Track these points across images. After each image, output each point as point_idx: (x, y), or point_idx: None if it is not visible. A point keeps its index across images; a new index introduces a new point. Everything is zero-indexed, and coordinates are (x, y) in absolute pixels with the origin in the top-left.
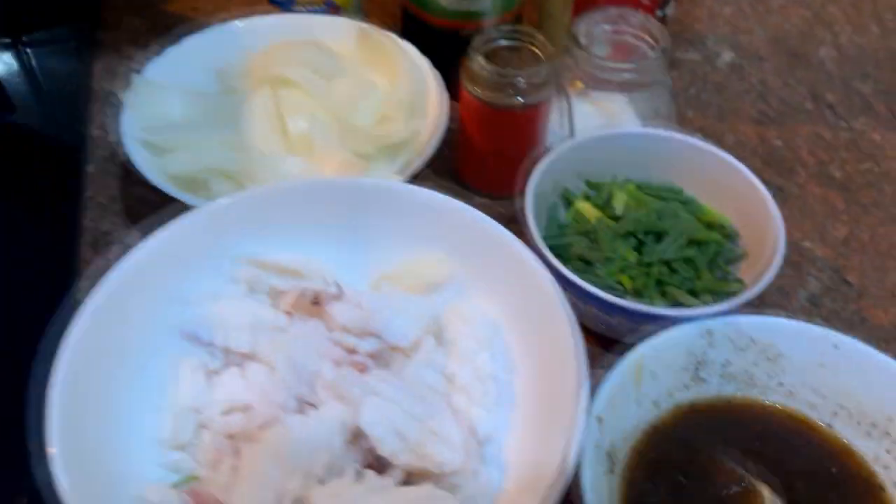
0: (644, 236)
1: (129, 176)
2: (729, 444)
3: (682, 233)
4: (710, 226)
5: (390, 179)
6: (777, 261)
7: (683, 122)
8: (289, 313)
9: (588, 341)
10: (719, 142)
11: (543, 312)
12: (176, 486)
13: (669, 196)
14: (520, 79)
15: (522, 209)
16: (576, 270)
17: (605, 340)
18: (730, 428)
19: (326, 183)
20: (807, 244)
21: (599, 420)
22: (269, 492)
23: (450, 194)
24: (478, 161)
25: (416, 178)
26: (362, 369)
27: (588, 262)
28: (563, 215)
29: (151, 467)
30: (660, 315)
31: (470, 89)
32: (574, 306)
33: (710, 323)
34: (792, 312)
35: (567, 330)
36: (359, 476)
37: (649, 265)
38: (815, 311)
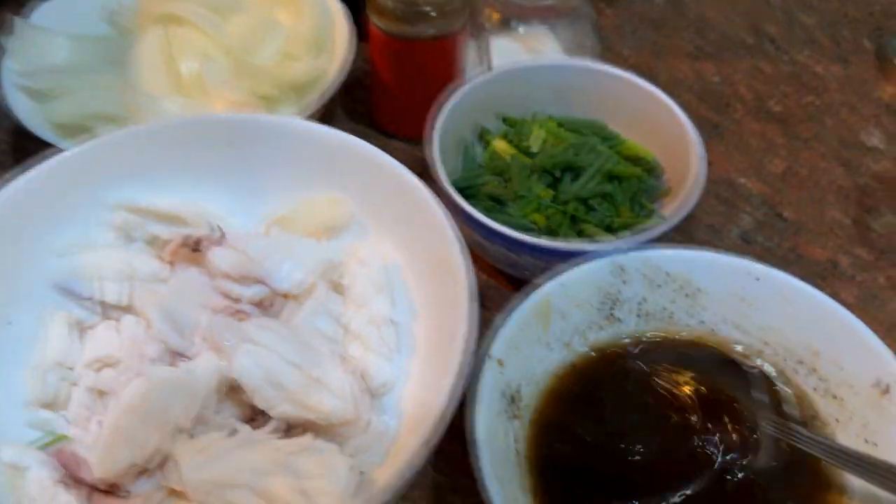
0: (560, 173)
1: (20, 127)
2: (648, 384)
3: (600, 168)
4: (633, 161)
5: (279, 115)
6: (695, 193)
7: (618, 61)
8: (171, 262)
9: (500, 283)
10: (653, 79)
11: (441, 254)
12: (42, 446)
13: (591, 131)
14: (428, 7)
15: (430, 148)
16: (487, 210)
17: (519, 283)
18: (650, 367)
19: (207, 120)
20: (741, 180)
21: (499, 362)
22: (128, 448)
23: (363, 139)
24: (391, 102)
25: (330, 124)
26: (244, 318)
27: (501, 202)
28: (481, 155)
29: (19, 427)
30: (567, 251)
31: (377, 22)
32: (481, 247)
33: (622, 258)
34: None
35: (461, 270)
36: (232, 430)
37: (564, 203)
38: (747, 248)
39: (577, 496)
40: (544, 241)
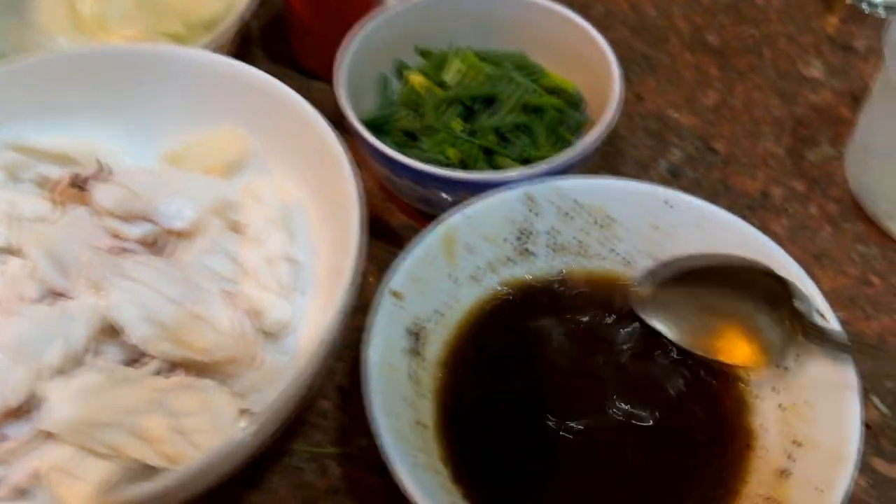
0: (475, 104)
1: None
2: (561, 320)
3: (517, 99)
4: (554, 93)
5: (171, 45)
6: (607, 121)
7: None
8: (60, 203)
9: (419, 224)
10: (586, 13)
11: (338, 189)
12: None
13: (511, 63)
14: None
15: (338, 82)
16: (398, 144)
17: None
18: (563, 302)
19: (98, 53)
20: (672, 113)
21: (396, 295)
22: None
23: (283, 79)
24: (309, 39)
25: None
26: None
27: (415, 137)
28: (397, 89)
29: None
30: (475, 182)
31: None
32: (393, 183)
33: (532, 188)
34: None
35: (354, 205)
36: (108, 370)
37: (479, 135)
38: (674, 181)
39: (481, 434)
40: (449, 173)
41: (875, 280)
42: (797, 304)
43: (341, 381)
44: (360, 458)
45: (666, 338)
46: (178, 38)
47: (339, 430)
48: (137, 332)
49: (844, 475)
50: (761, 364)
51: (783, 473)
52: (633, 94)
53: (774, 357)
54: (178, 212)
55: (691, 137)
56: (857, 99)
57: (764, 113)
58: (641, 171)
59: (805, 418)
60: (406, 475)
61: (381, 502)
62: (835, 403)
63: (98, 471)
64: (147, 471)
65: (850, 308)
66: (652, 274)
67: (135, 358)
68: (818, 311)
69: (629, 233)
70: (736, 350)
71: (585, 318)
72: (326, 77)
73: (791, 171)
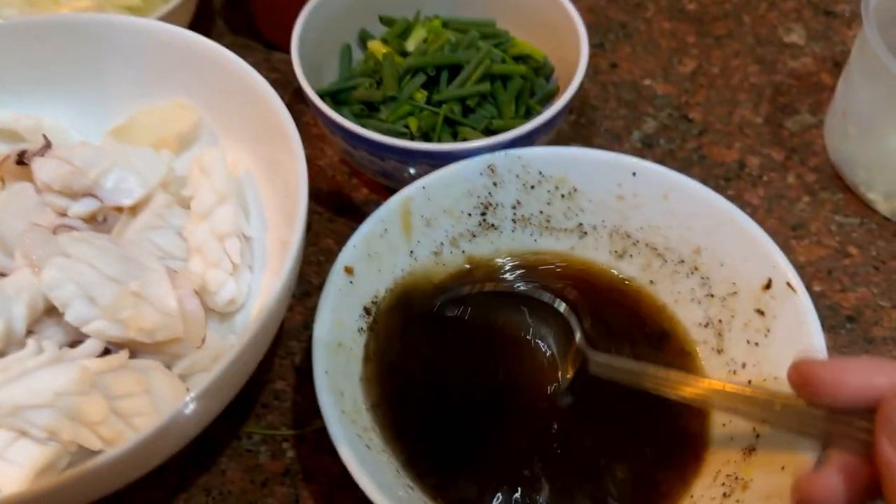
0: (437, 73)
1: None
2: (524, 295)
3: (480, 66)
4: (521, 60)
5: (120, 15)
6: (573, 88)
7: None
8: (1, 179)
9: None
10: None
11: (286, 161)
12: None
13: (475, 30)
14: None
15: (293, 50)
16: (357, 116)
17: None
18: (528, 277)
19: (42, 22)
20: (647, 82)
21: (347, 270)
22: None
23: (245, 51)
24: (271, 8)
25: (209, 37)
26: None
27: (374, 107)
28: (359, 59)
29: None
30: (430, 152)
31: None
32: (349, 154)
33: (492, 158)
34: None
35: (299, 177)
36: (39, 349)
37: (440, 104)
38: (648, 152)
39: (434, 415)
40: (405, 143)
41: (853, 251)
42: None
43: (299, 362)
44: (315, 440)
45: None
46: (134, 10)
47: (294, 412)
48: (75, 310)
49: (811, 452)
50: None
51: (748, 450)
52: (607, 63)
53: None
54: (117, 186)
55: (666, 106)
56: (838, 65)
57: (741, 80)
58: (614, 142)
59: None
60: (350, 456)
61: (334, 485)
62: None
63: (33, 455)
64: (86, 455)
65: (828, 280)
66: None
67: (78, 339)
68: (788, 284)
69: (593, 203)
70: None
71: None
72: (289, 49)
73: (769, 140)
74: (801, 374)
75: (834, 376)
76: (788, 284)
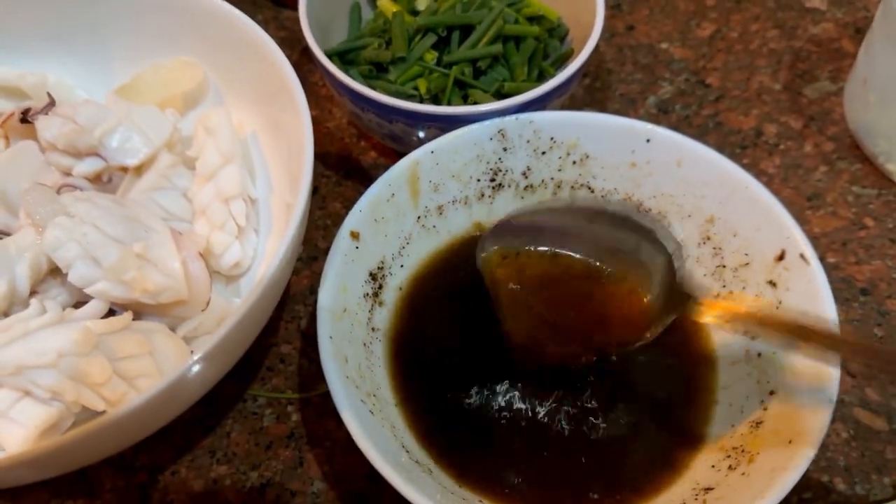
0: (448, 33)
1: None
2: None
3: (492, 26)
4: (534, 20)
5: None
6: (588, 51)
7: None
8: (5, 137)
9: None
10: None
11: (290, 120)
12: None
13: None
14: None
15: (301, 8)
16: (365, 76)
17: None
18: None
19: None
20: (664, 45)
21: (353, 234)
22: None
23: (255, 9)
24: None
25: None
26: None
27: (383, 68)
28: (369, 18)
29: None
30: (438, 115)
31: None
32: (356, 116)
33: (502, 123)
34: None
35: (306, 138)
36: (42, 309)
37: (451, 66)
38: (663, 118)
39: (436, 380)
40: (413, 105)
41: (870, 223)
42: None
43: (305, 326)
44: (320, 404)
45: None
46: None
47: (300, 376)
48: (78, 271)
49: (819, 424)
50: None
51: (756, 424)
52: (624, 25)
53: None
54: (122, 145)
55: (683, 71)
56: (860, 31)
57: (761, 45)
58: (629, 107)
59: (781, 367)
60: (353, 421)
61: (338, 448)
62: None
63: (37, 415)
64: (91, 416)
65: (842, 252)
66: None
67: (82, 300)
68: (802, 256)
69: (605, 170)
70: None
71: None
72: (298, 6)
73: (787, 108)
74: None
75: None
76: (802, 256)
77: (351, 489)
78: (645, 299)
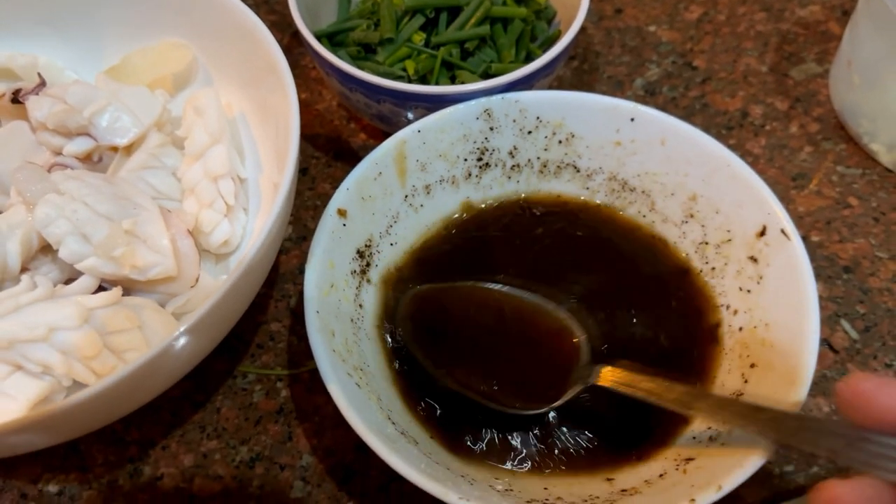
0: (436, 15)
1: None
2: (519, 244)
3: (479, 8)
4: (521, 2)
5: None
6: (573, 31)
7: None
8: None
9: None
10: None
11: (278, 100)
12: None
13: None
14: None
15: None
16: (354, 58)
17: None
18: (524, 224)
19: None
20: (652, 28)
21: (339, 212)
22: None
23: None
24: None
25: None
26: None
27: (371, 49)
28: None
29: None
30: (425, 94)
31: None
32: (345, 96)
33: (488, 101)
34: None
35: (292, 119)
36: (32, 285)
37: (438, 47)
38: (650, 99)
39: (425, 356)
40: (399, 85)
41: (854, 202)
42: None
43: (295, 304)
44: (309, 380)
45: None
46: None
47: (289, 353)
48: (68, 247)
49: (796, 397)
50: None
51: (737, 395)
52: (612, 8)
53: None
54: (118, 127)
55: (670, 53)
56: (847, 14)
57: (748, 28)
58: (616, 89)
59: (762, 341)
60: (339, 393)
61: (327, 423)
62: (795, 324)
63: (29, 388)
64: (81, 389)
65: (826, 231)
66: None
67: (73, 276)
68: (783, 231)
69: (590, 149)
70: None
71: (544, 242)
72: None
73: (773, 89)
74: (852, 391)
75: (890, 400)
76: (783, 231)
77: (339, 462)
78: (575, 339)
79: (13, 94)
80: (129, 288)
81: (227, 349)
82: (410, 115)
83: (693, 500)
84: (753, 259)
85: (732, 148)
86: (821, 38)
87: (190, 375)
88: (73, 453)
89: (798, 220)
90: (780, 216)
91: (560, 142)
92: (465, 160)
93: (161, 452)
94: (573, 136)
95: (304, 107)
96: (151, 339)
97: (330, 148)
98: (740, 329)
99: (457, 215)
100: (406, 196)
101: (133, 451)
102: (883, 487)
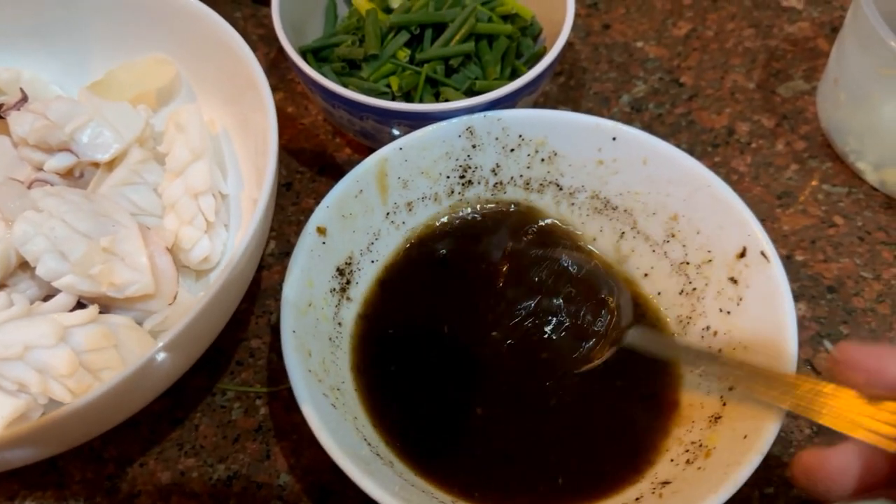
0: (421, 31)
1: None
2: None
3: (464, 25)
4: (507, 19)
5: None
6: (557, 49)
7: None
8: None
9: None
10: None
11: (258, 115)
12: None
13: None
14: None
15: (273, 4)
16: (338, 73)
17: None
18: (503, 240)
19: None
20: (639, 44)
21: (319, 230)
22: None
23: (233, 6)
24: None
25: None
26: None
27: (356, 65)
28: (345, 15)
29: None
30: (407, 112)
31: None
32: (329, 113)
33: (470, 119)
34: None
35: (270, 136)
36: (9, 302)
37: (423, 64)
38: (635, 116)
39: (401, 377)
40: (382, 103)
41: (839, 221)
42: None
43: (276, 320)
44: (288, 398)
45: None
46: None
47: (269, 370)
48: (46, 265)
49: (773, 421)
50: None
51: (714, 419)
52: (600, 24)
53: None
54: (100, 143)
55: (657, 70)
56: (836, 31)
57: (736, 44)
58: (602, 106)
59: (737, 362)
60: (313, 414)
61: (305, 442)
62: (773, 347)
63: (4, 406)
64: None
65: (811, 250)
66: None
67: (52, 293)
68: (762, 253)
69: (573, 168)
70: None
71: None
72: None
73: (760, 107)
74: (843, 355)
75: (879, 364)
76: (763, 254)
77: (316, 482)
78: (611, 303)
79: None
80: (107, 305)
81: (206, 366)
82: (395, 132)
83: None
84: (733, 280)
85: (718, 165)
86: (809, 54)
87: (169, 392)
88: (52, 470)
89: (783, 238)
90: (760, 238)
91: (542, 160)
92: (448, 177)
93: (139, 470)
94: (555, 154)
95: (290, 121)
96: (127, 357)
97: (315, 163)
98: (720, 351)
99: (441, 230)
100: (388, 213)
101: (111, 469)
102: (866, 453)
